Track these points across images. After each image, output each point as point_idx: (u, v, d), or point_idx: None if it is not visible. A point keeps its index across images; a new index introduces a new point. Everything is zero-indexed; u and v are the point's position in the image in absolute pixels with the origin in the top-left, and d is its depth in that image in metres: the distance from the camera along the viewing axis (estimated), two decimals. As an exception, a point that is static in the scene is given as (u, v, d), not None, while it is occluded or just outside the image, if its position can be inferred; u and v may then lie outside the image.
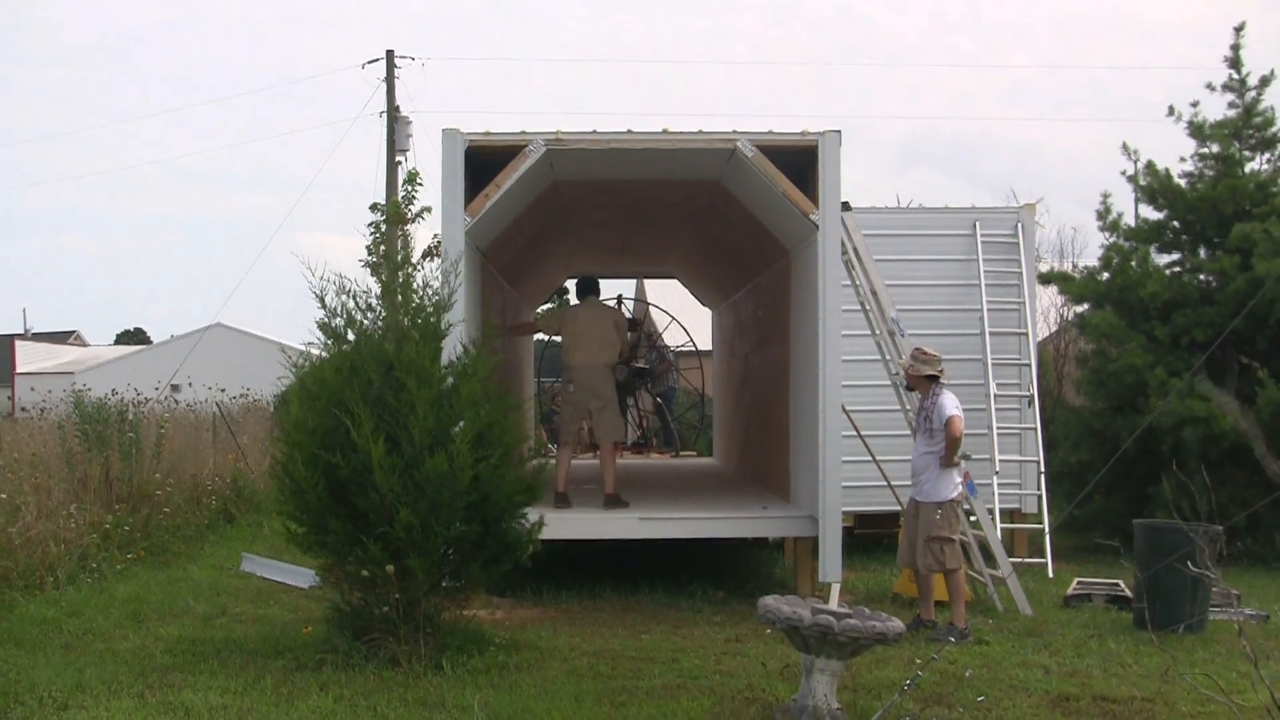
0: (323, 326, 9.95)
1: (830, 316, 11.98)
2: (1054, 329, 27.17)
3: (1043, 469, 15.70)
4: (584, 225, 17.35)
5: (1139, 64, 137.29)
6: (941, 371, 11.52)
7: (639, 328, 27.17)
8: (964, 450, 11.54)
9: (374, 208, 11.31)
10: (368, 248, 10.66)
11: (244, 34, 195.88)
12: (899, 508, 13.34)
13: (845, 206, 12.44)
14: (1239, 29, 17.00)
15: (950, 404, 11.29)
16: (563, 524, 12.08)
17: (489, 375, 10.15)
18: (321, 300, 9.91)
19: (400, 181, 20.58)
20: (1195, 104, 17.43)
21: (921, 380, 11.55)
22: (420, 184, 11.39)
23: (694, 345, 27.38)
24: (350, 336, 9.92)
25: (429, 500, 9.20)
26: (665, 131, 12.34)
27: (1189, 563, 9.60)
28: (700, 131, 12.33)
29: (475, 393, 9.74)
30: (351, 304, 9.99)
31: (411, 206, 11.03)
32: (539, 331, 19.29)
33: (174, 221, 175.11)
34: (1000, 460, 15.17)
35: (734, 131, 12.17)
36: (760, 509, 13.42)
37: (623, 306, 27.07)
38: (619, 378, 19.98)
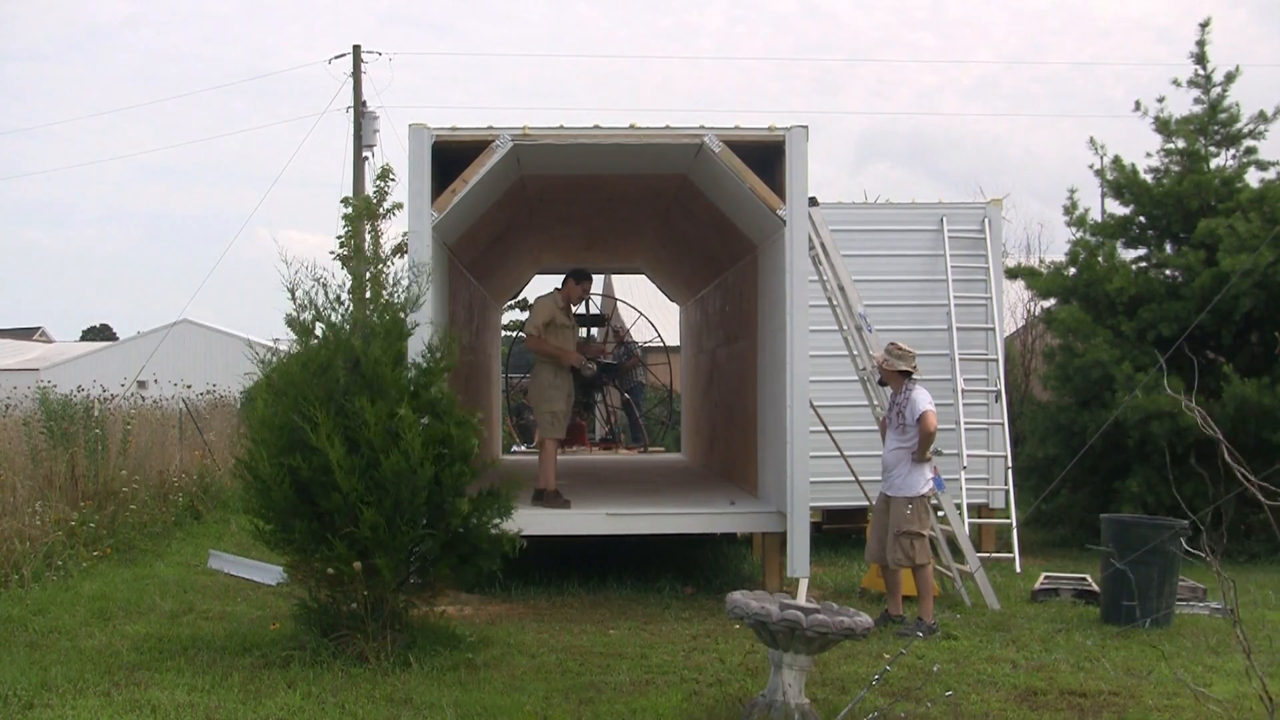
0: (291, 322, 9.90)
1: (798, 312, 11.99)
2: (1021, 324, 27.28)
3: (1010, 464, 15.77)
4: (551, 220, 17.33)
5: (1100, 60, 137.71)
6: (915, 367, 11.53)
7: (606, 323, 27.19)
8: (936, 446, 11.55)
9: (345, 202, 11.28)
10: (339, 240, 10.63)
11: (208, 29, 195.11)
12: (867, 503, 13.37)
13: (812, 202, 12.46)
14: (1204, 25, 17.10)
15: (924, 399, 11.30)
16: (531, 521, 12.06)
17: (454, 379, 10.10)
18: (292, 294, 9.85)
19: (374, 177, 20.46)
20: (1161, 100, 17.53)
21: (895, 375, 11.55)
22: (393, 179, 11.35)
23: (662, 341, 27.37)
24: (319, 332, 9.87)
25: (391, 499, 9.17)
26: (632, 127, 12.33)
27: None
28: (667, 127, 12.33)
29: (435, 395, 9.70)
30: (321, 298, 9.93)
31: (383, 203, 10.99)
32: None
33: (140, 217, 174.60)
34: (968, 455, 15.22)
35: (701, 127, 12.17)
36: (728, 504, 13.42)
37: (590, 301, 27.05)
38: (585, 374, 19.89)
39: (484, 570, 9.99)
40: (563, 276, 14.08)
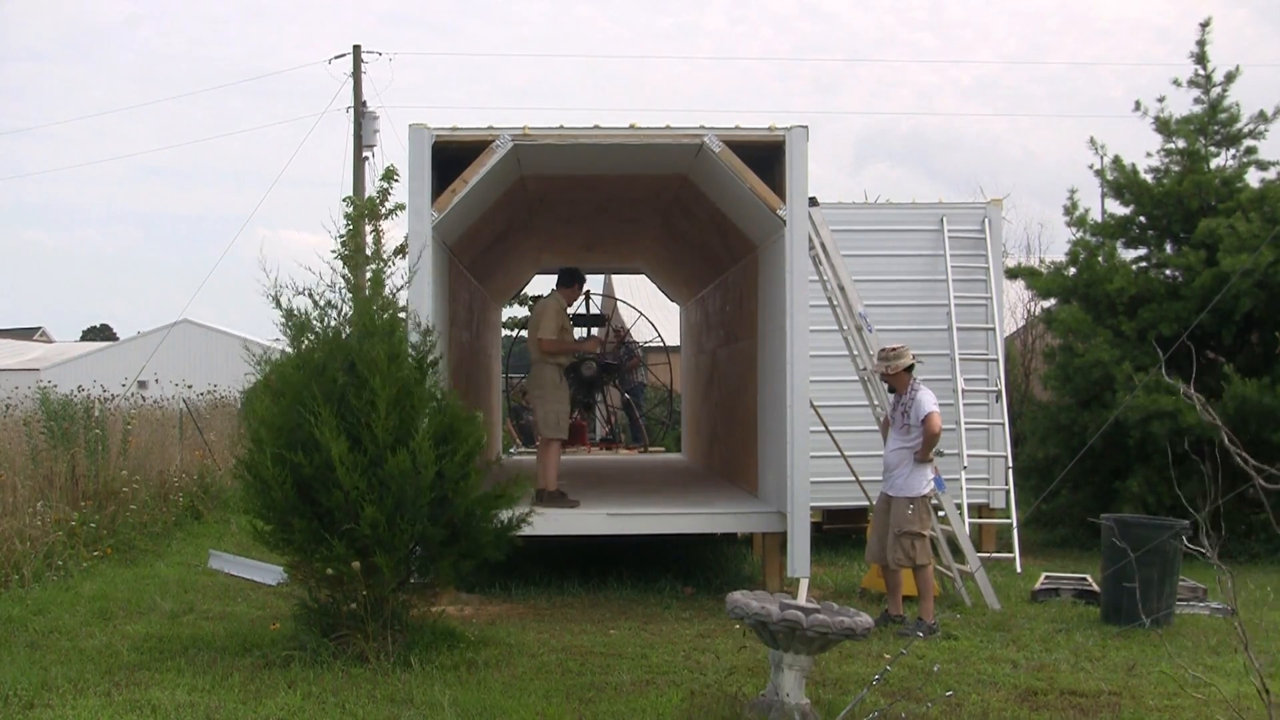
0: (286, 322, 9.89)
1: (798, 311, 11.99)
2: (1021, 324, 27.27)
3: (1010, 464, 15.75)
4: (551, 221, 17.32)
5: (1100, 60, 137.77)
6: (915, 360, 11.52)
7: (607, 323, 27.19)
8: (938, 447, 11.54)
9: (347, 201, 11.27)
10: (340, 239, 10.63)
11: (208, 29, 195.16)
12: (867, 503, 13.37)
13: (812, 202, 12.45)
14: (1204, 25, 17.09)
15: (929, 400, 11.29)
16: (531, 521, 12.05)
17: (453, 372, 10.11)
18: (277, 302, 9.84)
19: (378, 178, 20.43)
20: (1161, 100, 17.52)
21: (901, 375, 11.51)
22: (396, 179, 11.32)
23: (662, 341, 27.38)
24: (316, 328, 9.85)
25: (393, 497, 9.17)
26: (632, 127, 12.33)
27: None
28: (667, 127, 12.32)
29: (434, 388, 9.70)
30: (312, 302, 9.93)
31: (386, 203, 10.96)
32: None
33: (140, 218, 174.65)
34: (968, 455, 15.21)
35: (701, 127, 12.16)
36: (729, 507, 13.41)
37: (589, 301, 27.06)
38: (586, 372, 19.85)
39: (487, 560, 9.99)
40: (557, 276, 14.08)
